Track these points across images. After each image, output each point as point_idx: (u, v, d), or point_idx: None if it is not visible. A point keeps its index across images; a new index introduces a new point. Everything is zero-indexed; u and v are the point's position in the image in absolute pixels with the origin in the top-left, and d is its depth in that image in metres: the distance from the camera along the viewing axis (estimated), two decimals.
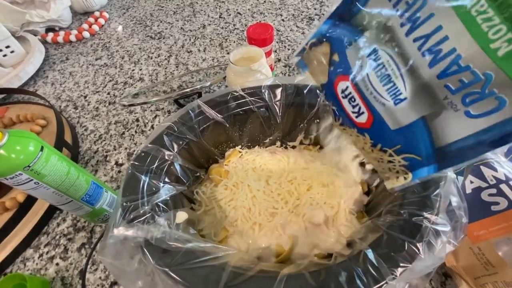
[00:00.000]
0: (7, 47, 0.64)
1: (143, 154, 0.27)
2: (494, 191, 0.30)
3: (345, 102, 0.22)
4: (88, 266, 0.37)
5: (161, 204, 0.25)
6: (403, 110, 0.18)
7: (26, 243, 0.40)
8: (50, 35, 0.76)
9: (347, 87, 0.21)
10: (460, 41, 0.15)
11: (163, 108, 0.56)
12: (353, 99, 0.21)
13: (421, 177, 0.19)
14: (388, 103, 0.19)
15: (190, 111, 0.31)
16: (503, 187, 0.30)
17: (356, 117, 0.21)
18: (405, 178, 0.20)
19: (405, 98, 0.18)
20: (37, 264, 0.39)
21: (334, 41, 0.21)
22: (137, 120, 0.55)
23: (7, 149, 0.27)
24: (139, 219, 0.23)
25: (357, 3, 0.19)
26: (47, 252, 0.40)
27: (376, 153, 0.21)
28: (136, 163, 0.27)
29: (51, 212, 0.43)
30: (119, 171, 0.47)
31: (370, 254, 0.20)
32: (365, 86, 0.20)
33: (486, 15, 0.14)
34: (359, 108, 0.21)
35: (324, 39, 0.21)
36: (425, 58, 0.16)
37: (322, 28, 0.21)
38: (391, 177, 0.21)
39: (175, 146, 0.29)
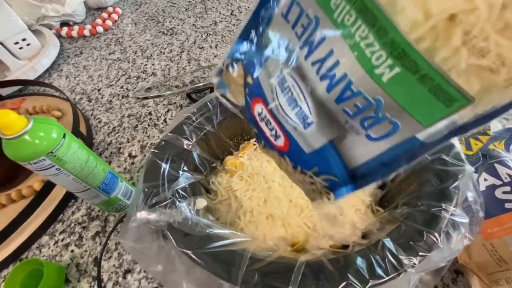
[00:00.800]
0: (24, 39, 0.66)
1: (163, 142, 0.28)
2: (508, 188, 0.30)
3: (263, 125, 0.21)
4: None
5: (180, 191, 0.26)
6: (312, 134, 0.18)
7: (42, 230, 0.41)
8: (65, 29, 0.77)
9: (262, 110, 0.20)
10: (349, 67, 0.14)
11: (175, 103, 0.57)
12: (269, 123, 0.20)
13: (341, 196, 0.19)
14: (298, 127, 0.18)
15: (208, 103, 0.31)
16: None
17: (274, 140, 0.21)
18: (328, 199, 0.19)
19: (312, 122, 0.17)
20: (52, 250, 0.40)
21: (246, 62, 0.20)
22: (150, 113, 0.56)
23: (32, 135, 0.27)
24: (160, 204, 0.23)
25: (261, 24, 0.18)
26: (62, 240, 0.40)
27: (298, 175, 0.21)
28: (157, 151, 0.27)
29: (66, 200, 0.44)
30: (133, 163, 0.48)
31: (389, 243, 0.20)
32: (277, 110, 0.19)
33: (368, 40, 0.13)
34: (276, 132, 0.20)
35: (238, 61, 0.21)
36: (322, 83, 0.16)
37: (234, 49, 0.21)
38: (316, 198, 0.21)
39: (194, 136, 0.30)
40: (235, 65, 0.21)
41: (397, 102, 0.14)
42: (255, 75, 0.20)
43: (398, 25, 0.12)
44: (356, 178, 0.17)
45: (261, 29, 0.19)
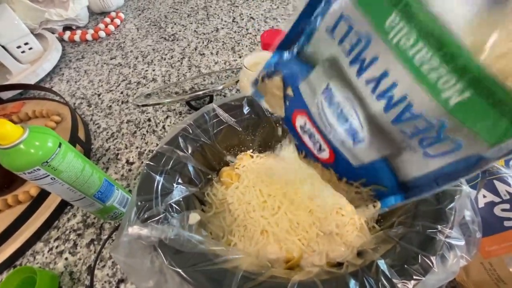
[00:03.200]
0: (26, 43, 0.66)
1: (158, 154, 0.28)
2: (507, 206, 0.30)
3: (305, 138, 0.21)
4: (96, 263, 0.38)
5: (174, 205, 0.25)
6: (363, 149, 0.17)
7: (36, 236, 0.41)
8: (67, 33, 0.78)
9: (305, 123, 0.20)
10: (409, 89, 0.14)
11: (174, 109, 0.57)
12: (313, 136, 0.20)
13: (389, 205, 0.18)
14: (347, 142, 0.17)
15: (205, 114, 0.31)
16: None
17: (318, 152, 0.20)
18: (374, 206, 0.19)
19: (363, 139, 0.17)
20: (46, 258, 0.39)
21: (286, 75, 0.20)
22: (149, 120, 0.56)
23: (27, 144, 0.27)
24: (153, 219, 0.23)
25: (302, 36, 0.17)
26: (57, 247, 0.40)
27: (343, 185, 0.20)
28: (151, 163, 0.27)
29: (62, 207, 0.44)
30: (130, 170, 0.48)
31: (383, 265, 0.20)
32: (323, 124, 0.18)
33: (431, 64, 0.12)
34: (320, 145, 0.20)
35: (275, 73, 0.20)
36: (379, 102, 0.15)
37: (271, 61, 0.20)
38: (360, 205, 0.20)
39: (189, 148, 0.30)
40: (272, 77, 0.20)
41: (464, 124, 0.13)
42: (296, 88, 0.19)
43: (469, 50, 0.11)
44: (406, 189, 0.17)
45: (302, 41, 0.18)
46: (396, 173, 0.17)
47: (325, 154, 0.20)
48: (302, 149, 0.22)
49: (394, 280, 0.19)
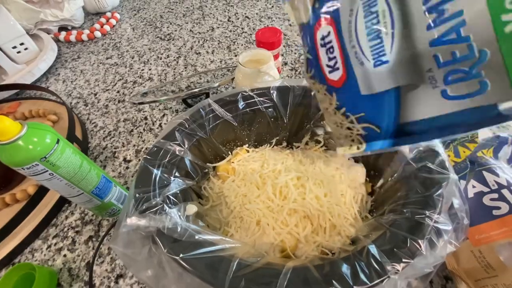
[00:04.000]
0: (21, 44, 0.66)
1: (155, 148, 0.28)
2: (495, 196, 0.31)
3: (322, 52, 0.19)
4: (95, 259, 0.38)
5: (171, 197, 0.26)
6: (380, 75, 0.16)
7: (35, 234, 0.41)
8: (63, 34, 0.78)
9: (328, 33, 0.18)
10: (471, 3, 0.12)
11: (171, 107, 0.57)
12: (331, 50, 0.18)
13: (374, 149, 0.18)
14: (367, 63, 0.17)
15: (201, 109, 0.32)
16: (505, 192, 0.30)
17: (329, 72, 0.19)
18: (358, 148, 0.19)
19: (386, 61, 0.16)
20: (45, 255, 0.40)
21: None
22: (146, 118, 0.56)
23: (26, 140, 0.28)
24: (151, 210, 0.24)
25: None
26: (55, 244, 0.41)
27: (338, 117, 0.19)
28: (149, 157, 0.28)
29: (60, 205, 0.44)
30: (127, 167, 0.48)
31: (373, 249, 0.21)
32: (350, 37, 0.17)
33: None
34: (335, 62, 0.18)
35: None
36: (425, 17, 0.14)
37: None
38: (345, 144, 0.20)
39: (186, 142, 0.30)
40: None
41: (504, 60, 0.12)
42: None
43: None
44: (400, 134, 0.16)
45: None
46: (400, 112, 0.16)
47: (335, 75, 0.19)
48: (312, 66, 0.21)
49: (384, 263, 0.20)
